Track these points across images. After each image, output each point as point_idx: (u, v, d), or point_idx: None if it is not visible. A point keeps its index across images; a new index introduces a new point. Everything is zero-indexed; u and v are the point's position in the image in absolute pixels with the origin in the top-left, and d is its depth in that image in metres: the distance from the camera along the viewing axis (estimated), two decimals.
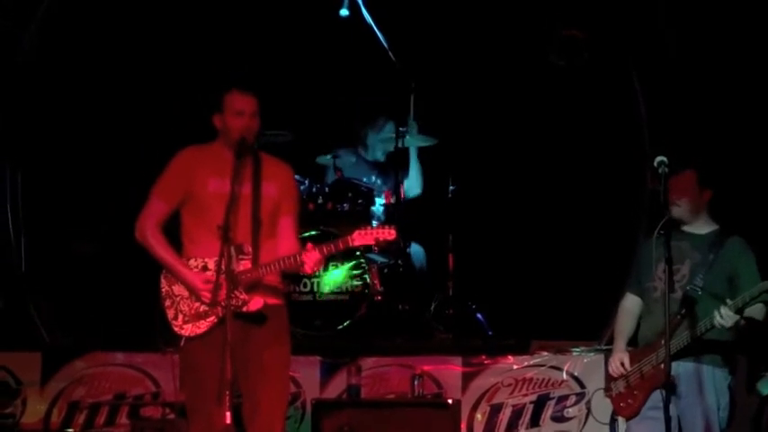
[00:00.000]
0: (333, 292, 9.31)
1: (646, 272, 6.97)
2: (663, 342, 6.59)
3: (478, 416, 8.64)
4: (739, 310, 6.55)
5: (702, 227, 6.95)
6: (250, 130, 6.53)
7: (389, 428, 8.15)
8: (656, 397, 6.72)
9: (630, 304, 7.10)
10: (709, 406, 6.72)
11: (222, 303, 6.30)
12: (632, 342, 7.06)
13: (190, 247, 6.56)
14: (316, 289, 9.34)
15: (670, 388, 6.55)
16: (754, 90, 9.31)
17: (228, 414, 6.02)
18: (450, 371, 8.75)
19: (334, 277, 9.32)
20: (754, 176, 9.13)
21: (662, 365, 6.60)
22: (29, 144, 10.22)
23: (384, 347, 9.06)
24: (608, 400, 7.19)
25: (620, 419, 7.58)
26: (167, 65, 10.44)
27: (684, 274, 6.84)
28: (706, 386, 6.69)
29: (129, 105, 10.47)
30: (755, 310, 6.65)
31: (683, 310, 6.72)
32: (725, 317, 6.53)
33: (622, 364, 6.93)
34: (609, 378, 7.05)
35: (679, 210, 6.89)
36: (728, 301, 6.55)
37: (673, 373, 6.59)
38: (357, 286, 9.35)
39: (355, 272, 9.34)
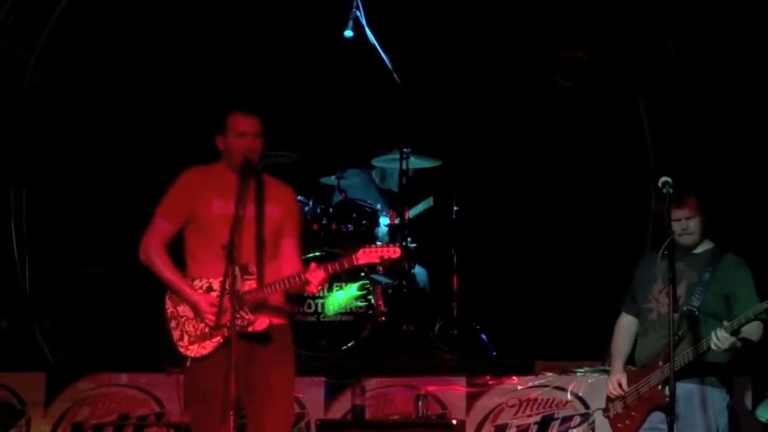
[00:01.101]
0: (337, 314, 9.32)
1: (642, 293, 6.98)
2: (660, 363, 6.65)
3: None
4: (735, 332, 6.56)
5: (700, 246, 6.95)
6: (253, 152, 6.54)
7: None
8: (654, 418, 6.75)
9: (626, 323, 7.12)
10: (708, 427, 6.70)
11: (227, 325, 6.30)
12: (629, 362, 7.07)
13: (194, 268, 6.56)
14: (320, 310, 9.34)
15: (672, 410, 6.55)
16: (760, 111, 9.31)
17: None
18: (454, 391, 8.74)
19: (339, 299, 9.32)
20: (759, 193, 9.14)
21: (659, 387, 6.66)
22: (33, 164, 10.24)
23: (388, 368, 9.05)
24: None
25: None
26: (172, 84, 10.46)
27: (681, 295, 6.84)
28: (704, 407, 6.67)
29: (134, 125, 10.48)
30: (751, 330, 6.67)
31: (681, 332, 6.72)
32: (721, 339, 6.55)
33: (620, 385, 6.93)
34: (607, 399, 7.05)
35: (691, 237, 6.91)
36: (725, 323, 6.56)
37: (668, 394, 6.62)
38: (361, 307, 9.36)
39: (359, 293, 9.34)
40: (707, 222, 6.93)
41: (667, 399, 6.63)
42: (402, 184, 9.89)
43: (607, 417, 7.07)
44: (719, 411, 6.80)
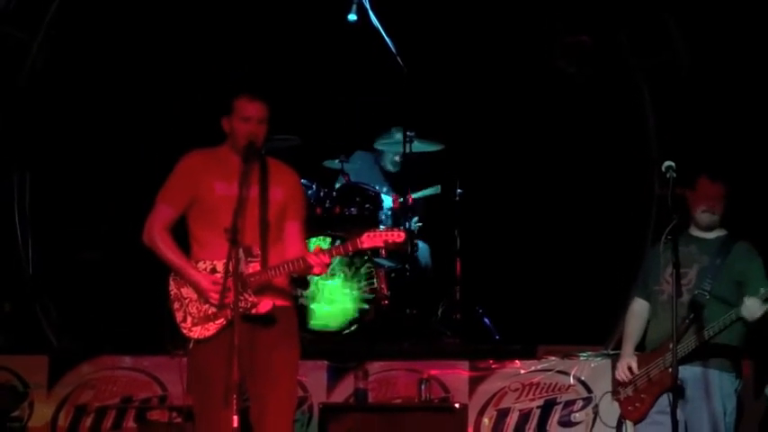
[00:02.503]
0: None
1: (654, 276, 6.97)
2: (670, 346, 6.61)
3: (485, 420, 8.63)
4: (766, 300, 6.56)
5: (710, 232, 6.95)
6: (256, 136, 6.53)
7: None
8: (664, 401, 6.73)
9: (639, 308, 7.11)
10: (716, 410, 6.71)
11: (231, 306, 6.31)
12: (640, 346, 7.07)
13: (198, 251, 6.56)
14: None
15: (677, 392, 6.57)
16: (762, 96, 9.31)
17: (236, 417, 6.02)
18: (457, 375, 8.74)
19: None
20: (761, 181, 9.14)
21: (669, 369, 6.62)
22: (37, 149, 10.24)
23: (391, 352, 9.06)
24: (615, 405, 7.22)
25: (628, 424, 7.56)
26: (174, 72, 10.45)
27: (692, 279, 6.85)
28: (713, 391, 6.68)
29: (137, 112, 10.48)
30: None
31: (692, 315, 6.73)
32: (751, 307, 6.53)
33: (630, 369, 6.93)
34: (617, 382, 7.06)
35: (713, 218, 6.92)
36: (762, 289, 6.55)
37: (680, 377, 6.61)
38: (364, 288, 9.38)
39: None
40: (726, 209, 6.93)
41: (679, 381, 6.65)
42: (402, 167, 9.90)
43: (617, 400, 7.06)
44: (728, 395, 6.80)
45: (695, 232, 6.98)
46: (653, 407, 6.82)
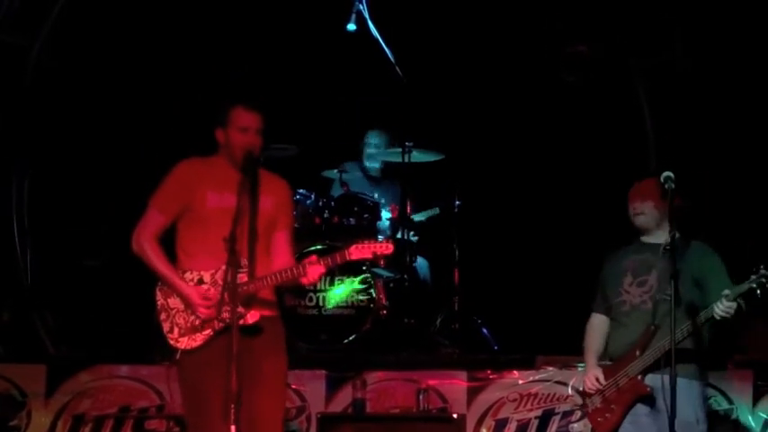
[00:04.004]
0: (338, 307, 9.34)
1: (612, 288, 6.98)
2: (637, 353, 6.70)
3: (483, 430, 8.63)
4: (734, 299, 6.58)
5: (662, 236, 6.89)
6: (254, 147, 6.52)
7: None
8: (638, 410, 6.73)
9: (598, 323, 7.13)
10: (688, 420, 6.65)
11: (219, 317, 6.30)
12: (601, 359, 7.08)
13: (185, 260, 6.53)
14: (321, 303, 9.36)
15: (649, 401, 6.66)
16: (761, 104, 9.32)
17: (234, 428, 6.01)
18: (455, 385, 8.74)
19: (339, 293, 9.34)
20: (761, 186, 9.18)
21: (639, 377, 6.69)
22: (35, 155, 10.24)
23: (389, 362, 9.06)
24: None
25: None
26: (173, 78, 10.46)
27: (653, 285, 6.86)
28: (683, 399, 6.58)
29: (136, 117, 10.48)
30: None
31: (656, 321, 6.72)
32: (724, 308, 6.53)
33: (597, 380, 6.91)
34: (584, 393, 7.02)
35: (642, 219, 6.93)
36: (726, 291, 6.55)
37: (649, 385, 6.64)
38: (362, 300, 9.36)
39: (360, 286, 9.35)
40: (667, 211, 6.79)
41: (649, 389, 6.67)
42: (407, 180, 9.89)
43: (585, 412, 7.03)
44: (698, 403, 6.78)
45: (647, 239, 6.99)
46: (625, 416, 6.79)
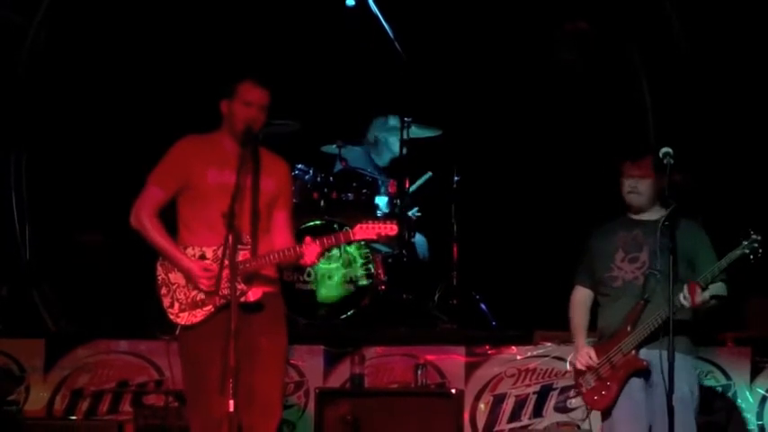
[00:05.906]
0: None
1: (601, 264, 6.95)
2: (629, 329, 6.70)
3: (481, 406, 8.64)
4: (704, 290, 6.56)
5: (653, 213, 6.90)
6: (256, 123, 6.51)
7: (392, 418, 8.15)
8: (633, 385, 6.73)
9: (582, 297, 7.12)
10: (683, 394, 6.64)
11: (220, 293, 6.29)
12: (591, 335, 7.08)
13: (187, 236, 6.53)
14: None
15: (645, 375, 6.67)
16: (761, 82, 9.31)
17: (232, 402, 6.01)
18: (453, 361, 8.75)
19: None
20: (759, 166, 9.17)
21: (633, 352, 6.69)
22: (33, 133, 10.23)
23: (388, 337, 9.06)
24: None
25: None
26: (173, 55, 10.44)
27: (645, 261, 6.84)
28: (678, 374, 6.55)
29: (135, 95, 10.47)
30: (718, 288, 6.67)
31: (647, 296, 6.72)
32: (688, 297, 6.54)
33: (590, 357, 6.90)
34: (577, 373, 7.01)
35: (638, 198, 6.90)
36: (702, 276, 6.57)
37: (644, 358, 6.66)
38: (360, 276, 9.38)
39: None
40: (661, 188, 6.78)
41: (644, 363, 6.68)
42: (401, 155, 9.87)
43: (579, 392, 7.00)
44: (692, 378, 6.80)
45: (637, 216, 6.96)
46: (621, 392, 6.79)
